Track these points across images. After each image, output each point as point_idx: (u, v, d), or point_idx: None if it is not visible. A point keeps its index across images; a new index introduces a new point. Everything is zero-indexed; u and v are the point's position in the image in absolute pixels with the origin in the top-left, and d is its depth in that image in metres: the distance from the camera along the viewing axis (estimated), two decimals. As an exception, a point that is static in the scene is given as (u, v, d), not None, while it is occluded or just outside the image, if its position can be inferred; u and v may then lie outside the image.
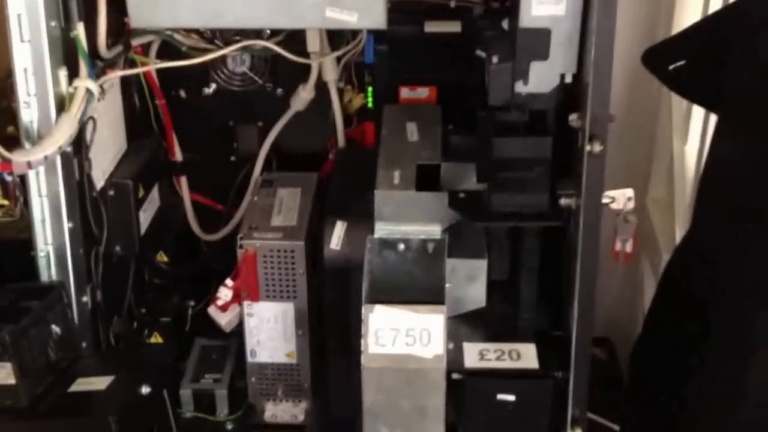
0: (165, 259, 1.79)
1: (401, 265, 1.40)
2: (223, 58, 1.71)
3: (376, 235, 1.42)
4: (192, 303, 1.88)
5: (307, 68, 1.69)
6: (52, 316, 1.40)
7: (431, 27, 1.66)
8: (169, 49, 1.67)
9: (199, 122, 1.81)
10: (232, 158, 1.85)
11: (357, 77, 1.74)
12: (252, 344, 1.68)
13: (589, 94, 1.26)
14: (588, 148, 1.27)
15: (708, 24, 1.34)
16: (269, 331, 1.67)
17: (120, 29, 1.55)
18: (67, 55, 1.42)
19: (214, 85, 1.78)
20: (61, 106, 1.41)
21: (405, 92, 1.71)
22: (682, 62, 1.26)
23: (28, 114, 1.40)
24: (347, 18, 1.43)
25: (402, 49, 1.68)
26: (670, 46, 1.36)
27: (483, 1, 1.63)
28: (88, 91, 1.43)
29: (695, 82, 1.27)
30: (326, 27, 1.55)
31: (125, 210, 1.61)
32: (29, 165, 1.36)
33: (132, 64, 1.65)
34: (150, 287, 1.79)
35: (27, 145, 1.39)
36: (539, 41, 1.30)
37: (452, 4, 1.65)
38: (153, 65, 1.67)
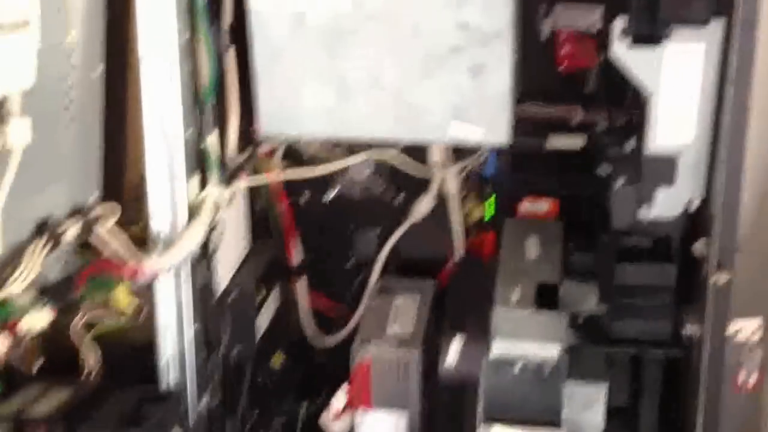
0: (279, 362, 1.80)
1: (518, 385, 1.38)
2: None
3: (493, 353, 1.41)
4: (305, 404, 1.89)
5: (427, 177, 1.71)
6: (170, 423, 1.41)
7: (554, 142, 1.66)
8: (292, 153, 1.71)
9: (319, 226, 1.83)
10: (350, 264, 1.87)
11: (477, 188, 1.74)
12: (363, 453, 1.68)
13: (717, 224, 1.23)
14: (713, 279, 1.25)
15: None
16: (381, 440, 1.66)
17: (247, 136, 1.59)
18: (197, 161, 1.46)
19: (334, 191, 1.80)
20: (191, 213, 1.45)
21: (525, 205, 1.70)
22: None
23: (158, 220, 1.43)
24: (471, 134, 1.44)
25: (524, 162, 1.68)
26: None
27: (607, 117, 1.62)
28: (216, 201, 1.47)
29: None
30: (450, 143, 1.57)
31: (246, 314, 1.63)
32: (156, 273, 1.39)
33: (257, 169, 1.70)
34: (263, 390, 1.80)
35: (155, 253, 1.43)
36: (665, 168, 1.28)
37: (575, 121, 1.65)
38: (279, 172, 1.71)
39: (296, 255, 1.84)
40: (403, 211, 1.80)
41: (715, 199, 1.26)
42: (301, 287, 1.87)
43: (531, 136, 1.66)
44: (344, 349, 1.85)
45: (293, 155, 1.72)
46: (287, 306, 1.85)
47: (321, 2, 1.40)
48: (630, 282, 1.29)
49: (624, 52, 1.23)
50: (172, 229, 1.43)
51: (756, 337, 1.35)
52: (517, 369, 1.39)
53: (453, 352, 1.46)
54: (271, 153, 1.72)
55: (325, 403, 1.72)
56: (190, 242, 1.42)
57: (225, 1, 1.46)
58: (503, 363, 1.39)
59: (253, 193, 1.73)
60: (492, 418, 1.31)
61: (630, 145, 1.47)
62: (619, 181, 1.32)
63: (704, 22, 1.19)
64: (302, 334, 1.88)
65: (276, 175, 1.71)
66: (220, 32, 1.46)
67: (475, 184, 1.75)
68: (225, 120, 1.51)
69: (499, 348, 1.41)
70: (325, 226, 1.84)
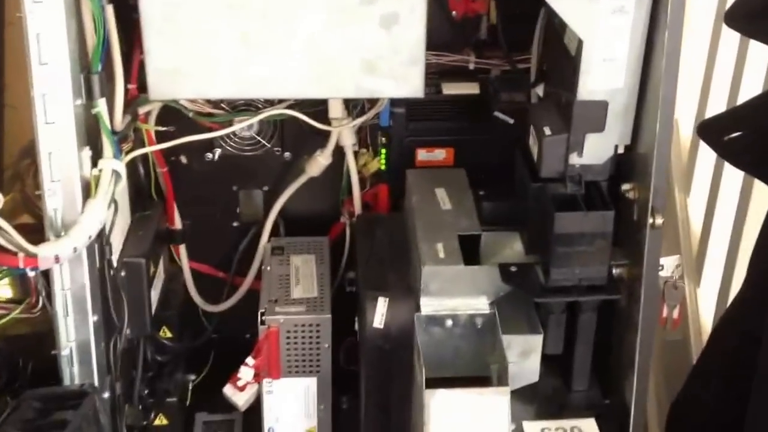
0: (168, 335, 1.70)
1: (453, 340, 1.36)
2: (229, 122, 1.64)
3: (423, 312, 1.38)
4: (193, 377, 1.81)
5: (317, 132, 1.63)
6: (86, 425, 1.29)
7: (449, 89, 1.62)
8: (169, 113, 1.59)
9: (201, 188, 1.73)
10: (235, 224, 1.78)
11: (372, 140, 1.69)
12: (270, 422, 1.62)
13: (653, 167, 1.24)
14: (650, 220, 1.26)
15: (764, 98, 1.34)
16: (290, 407, 1.61)
17: (127, 100, 1.46)
18: (88, 134, 1.33)
19: (218, 150, 1.70)
20: (88, 190, 1.32)
21: (422, 154, 1.66)
22: (738, 133, 1.25)
23: (53, 202, 1.30)
24: (383, 87, 1.39)
25: (418, 111, 1.64)
26: (726, 118, 1.36)
27: (503, 62, 1.60)
28: (115, 173, 1.35)
29: (752, 152, 1.26)
30: (363, 96, 1.50)
31: (138, 291, 1.52)
32: (57, 259, 1.27)
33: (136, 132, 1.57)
34: (153, 365, 1.70)
35: (52, 237, 1.30)
36: (596, 113, 1.27)
37: (471, 66, 1.62)
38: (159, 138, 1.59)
39: (178, 220, 1.73)
40: (291, 167, 1.72)
41: (644, 144, 1.27)
42: (183, 254, 1.76)
43: (426, 84, 1.61)
44: (235, 315, 1.79)
45: (170, 112, 1.60)
46: (174, 276, 1.75)
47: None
48: (569, 230, 1.28)
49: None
50: (70, 209, 1.31)
51: (677, 274, 1.38)
52: (448, 325, 1.37)
53: (378, 314, 1.41)
54: (146, 115, 1.59)
55: (219, 373, 1.65)
56: (89, 223, 1.30)
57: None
58: (435, 321, 1.37)
59: (134, 163, 1.60)
60: (432, 379, 1.28)
61: (540, 90, 1.46)
62: (547, 130, 1.30)
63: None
64: (192, 304, 1.78)
65: (164, 141, 1.58)
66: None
67: (371, 138, 1.69)
68: (110, 84, 1.38)
69: (428, 305, 1.38)
70: (208, 187, 1.74)
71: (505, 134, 1.57)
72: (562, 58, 1.32)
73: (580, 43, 1.24)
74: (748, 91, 1.70)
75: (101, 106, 1.33)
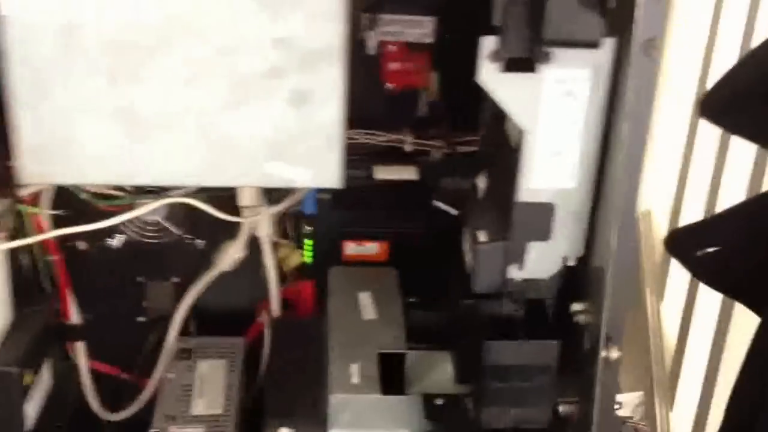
0: (58, 445, 1.46)
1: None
2: (130, 205, 1.41)
3: (330, 449, 1.14)
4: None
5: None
6: None
7: (382, 173, 1.41)
8: (62, 192, 1.38)
9: (102, 278, 1.50)
10: (141, 319, 1.55)
11: (294, 230, 1.47)
12: None
13: (609, 286, 1.02)
14: (603, 354, 1.03)
15: (745, 210, 1.12)
16: None
17: (4, 175, 1.24)
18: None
19: (121, 236, 1.48)
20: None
21: (351, 247, 1.44)
22: (713, 248, 1.03)
23: None
24: (294, 176, 1.17)
25: (348, 198, 1.41)
26: (699, 229, 1.14)
27: (445, 144, 1.39)
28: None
29: (730, 271, 1.04)
30: (270, 186, 1.28)
31: (8, 404, 1.29)
32: None
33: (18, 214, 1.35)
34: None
35: None
36: (540, 218, 1.05)
37: (407, 148, 1.41)
38: (49, 225, 1.37)
39: (74, 314, 1.50)
40: (206, 257, 1.50)
41: (599, 257, 1.05)
42: (81, 353, 1.53)
43: (356, 167, 1.40)
44: (137, 424, 1.55)
45: (64, 194, 1.38)
46: (67, 376, 1.51)
47: (97, 9, 1.08)
48: (503, 361, 1.05)
49: (494, 80, 0.98)
50: None
51: (638, 415, 1.15)
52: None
53: (280, 446, 1.18)
54: (35, 197, 1.37)
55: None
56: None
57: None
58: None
59: (16, 250, 1.38)
60: None
61: (482, 181, 1.24)
62: (482, 236, 1.07)
63: (593, 44, 0.96)
64: (87, 411, 1.54)
65: (48, 229, 1.36)
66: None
67: (291, 225, 1.47)
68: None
69: (338, 441, 1.15)
70: (110, 277, 1.51)
71: (446, 227, 1.35)
72: (504, 147, 1.10)
73: (521, 133, 1.02)
74: (729, 191, 1.49)
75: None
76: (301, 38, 1.10)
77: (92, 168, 1.15)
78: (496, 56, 0.96)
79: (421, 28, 1.36)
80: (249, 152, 1.15)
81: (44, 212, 1.38)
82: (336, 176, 1.17)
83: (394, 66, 1.37)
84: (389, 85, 1.38)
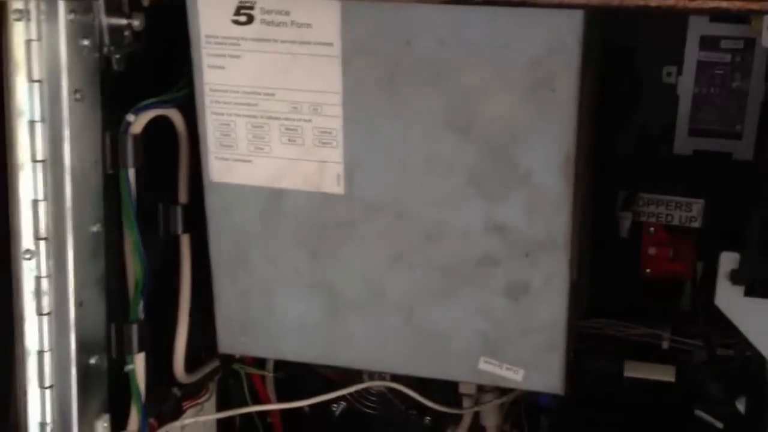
0: None
1: None
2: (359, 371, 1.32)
3: None
4: None
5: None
6: None
7: (633, 371, 1.22)
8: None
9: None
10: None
11: (527, 420, 1.30)
12: None
13: None
14: None
15: None
16: None
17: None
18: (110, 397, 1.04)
19: (343, 404, 1.38)
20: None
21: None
22: None
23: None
24: (510, 375, 1.02)
25: (593, 391, 1.24)
26: None
27: (705, 344, 1.18)
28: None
29: None
30: (480, 383, 1.14)
31: None
32: None
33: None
34: None
35: None
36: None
37: (665, 345, 1.21)
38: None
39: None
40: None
41: None
42: None
43: (603, 359, 1.22)
44: None
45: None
46: None
47: (301, 181, 1.00)
48: None
49: (733, 301, 0.79)
50: None
51: None
52: None
53: None
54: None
55: None
56: None
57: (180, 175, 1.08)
58: None
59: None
60: None
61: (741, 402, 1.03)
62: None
63: None
64: None
65: (268, 390, 1.31)
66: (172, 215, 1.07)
67: (524, 415, 1.31)
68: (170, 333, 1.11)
69: None
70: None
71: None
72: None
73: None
74: None
75: (137, 362, 1.04)
76: (520, 224, 0.96)
77: (290, 344, 1.08)
78: (737, 276, 0.76)
79: (688, 211, 1.18)
80: (458, 344, 1.02)
81: (268, 375, 1.32)
82: (557, 381, 1.02)
83: (653, 251, 1.19)
84: (647, 271, 1.20)
